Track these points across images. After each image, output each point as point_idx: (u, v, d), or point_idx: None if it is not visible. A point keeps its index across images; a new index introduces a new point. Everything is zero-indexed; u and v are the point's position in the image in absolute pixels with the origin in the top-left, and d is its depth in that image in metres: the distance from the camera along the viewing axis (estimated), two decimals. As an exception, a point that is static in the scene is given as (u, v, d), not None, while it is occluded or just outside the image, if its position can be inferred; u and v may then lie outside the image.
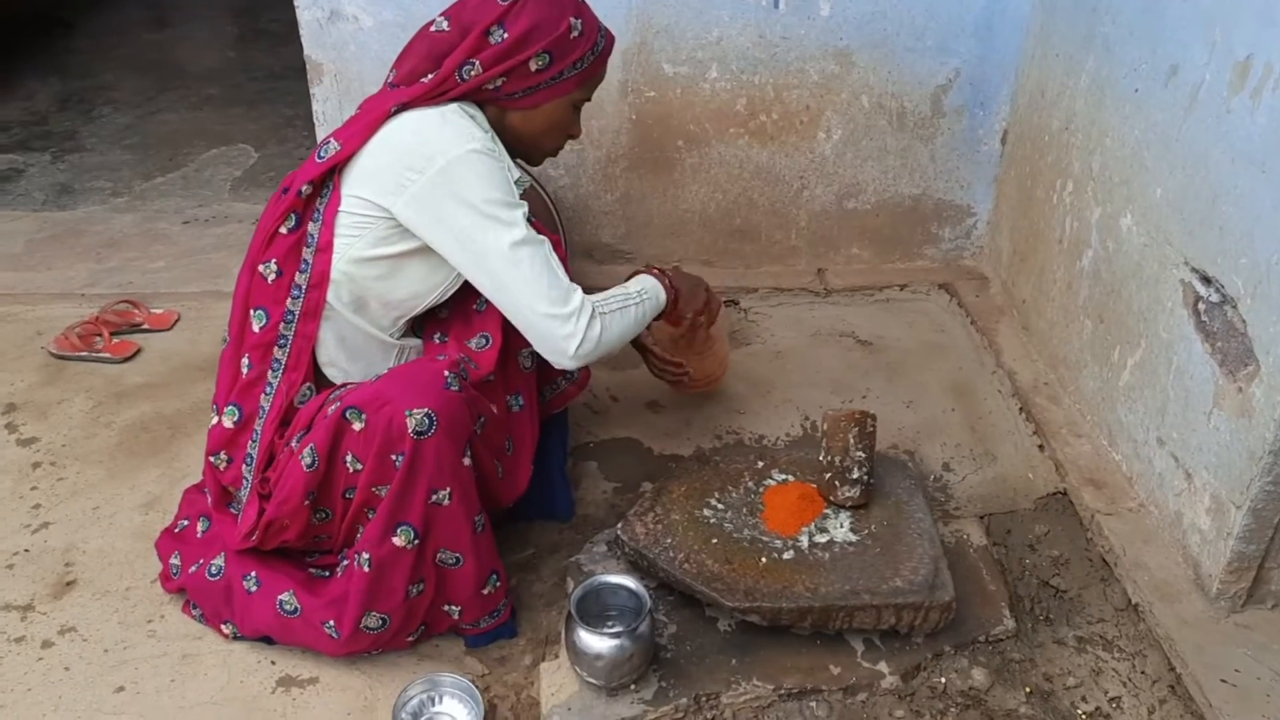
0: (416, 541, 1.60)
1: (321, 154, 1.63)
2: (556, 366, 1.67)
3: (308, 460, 1.59)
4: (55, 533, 1.98)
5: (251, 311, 1.67)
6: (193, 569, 1.78)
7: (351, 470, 1.59)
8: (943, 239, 2.83)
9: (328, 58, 2.50)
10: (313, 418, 1.63)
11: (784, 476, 1.94)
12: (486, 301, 1.70)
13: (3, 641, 1.76)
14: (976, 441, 2.23)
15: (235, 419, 1.70)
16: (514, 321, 1.64)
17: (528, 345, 1.71)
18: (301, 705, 1.66)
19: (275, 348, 1.67)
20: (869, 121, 2.64)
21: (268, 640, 1.75)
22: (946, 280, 2.79)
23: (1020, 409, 2.30)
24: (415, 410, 1.52)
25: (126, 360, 2.48)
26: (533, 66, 1.60)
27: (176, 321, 2.64)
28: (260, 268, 1.65)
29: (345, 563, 1.67)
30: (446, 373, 1.57)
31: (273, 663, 1.73)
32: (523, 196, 1.65)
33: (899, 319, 2.67)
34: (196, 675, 1.71)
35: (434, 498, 1.58)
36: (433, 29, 1.63)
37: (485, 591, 1.71)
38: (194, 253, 2.98)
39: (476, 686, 1.65)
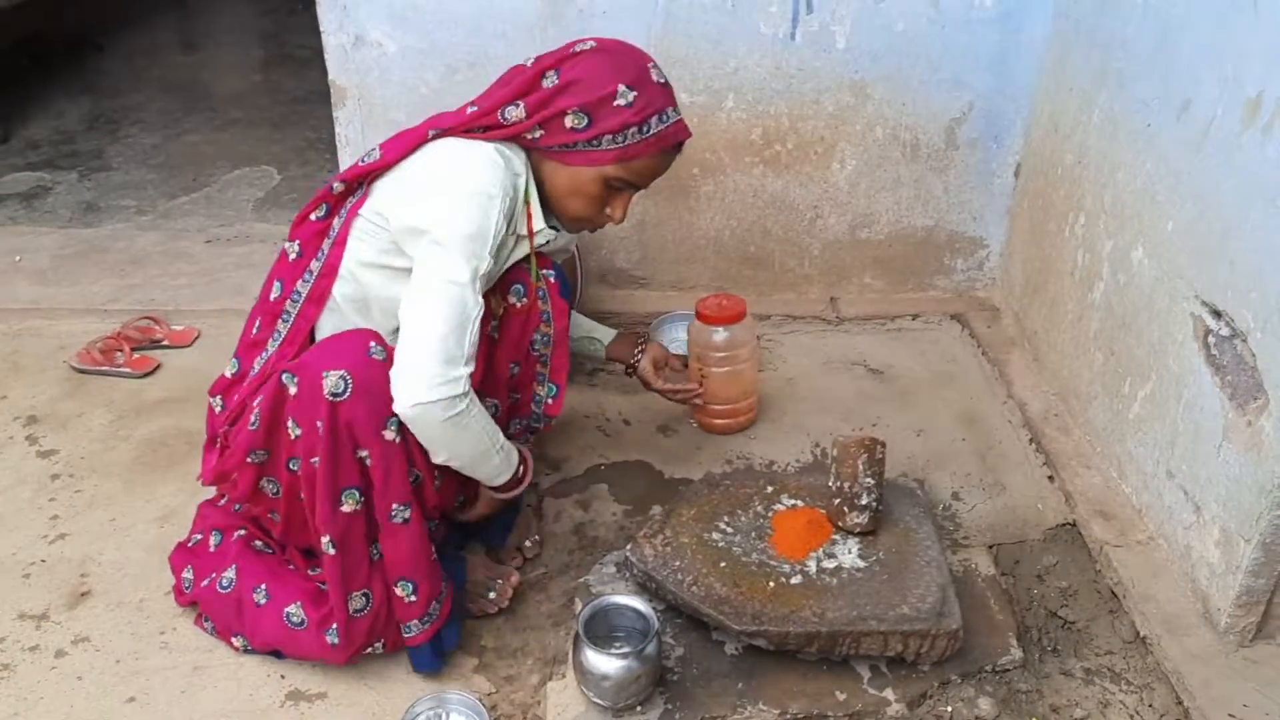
0: (363, 500, 1.60)
1: (364, 158, 1.69)
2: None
3: (253, 420, 1.64)
4: (72, 544, 2.01)
5: (274, 282, 1.76)
6: (204, 583, 1.80)
7: (293, 436, 1.61)
8: (955, 270, 2.85)
9: (351, 82, 2.55)
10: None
11: (793, 502, 1.94)
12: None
13: (17, 650, 1.78)
14: (986, 471, 2.23)
15: (234, 371, 1.78)
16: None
17: (507, 379, 1.79)
18: (310, 719, 1.68)
19: (280, 320, 1.74)
20: (883, 152, 2.67)
21: (277, 654, 1.77)
22: (958, 311, 2.80)
23: (1030, 439, 2.31)
24: (331, 372, 1.53)
25: (146, 375, 2.52)
26: (568, 123, 1.60)
27: (197, 338, 2.68)
28: (286, 245, 1.74)
29: (316, 568, 1.71)
30: (372, 342, 1.58)
31: (282, 676, 1.74)
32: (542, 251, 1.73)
33: (911, 348, 2.68)
34: (207, 687, 1.72)
35: (360, 454, 1.57)
36: (522, 62, 1.68)
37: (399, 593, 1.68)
38: (215, 271, 3.02)
39: (483, 704, 1.65)
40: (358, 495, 1.60)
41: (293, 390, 1.58)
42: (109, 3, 5.53)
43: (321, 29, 2.49)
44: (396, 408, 1.53)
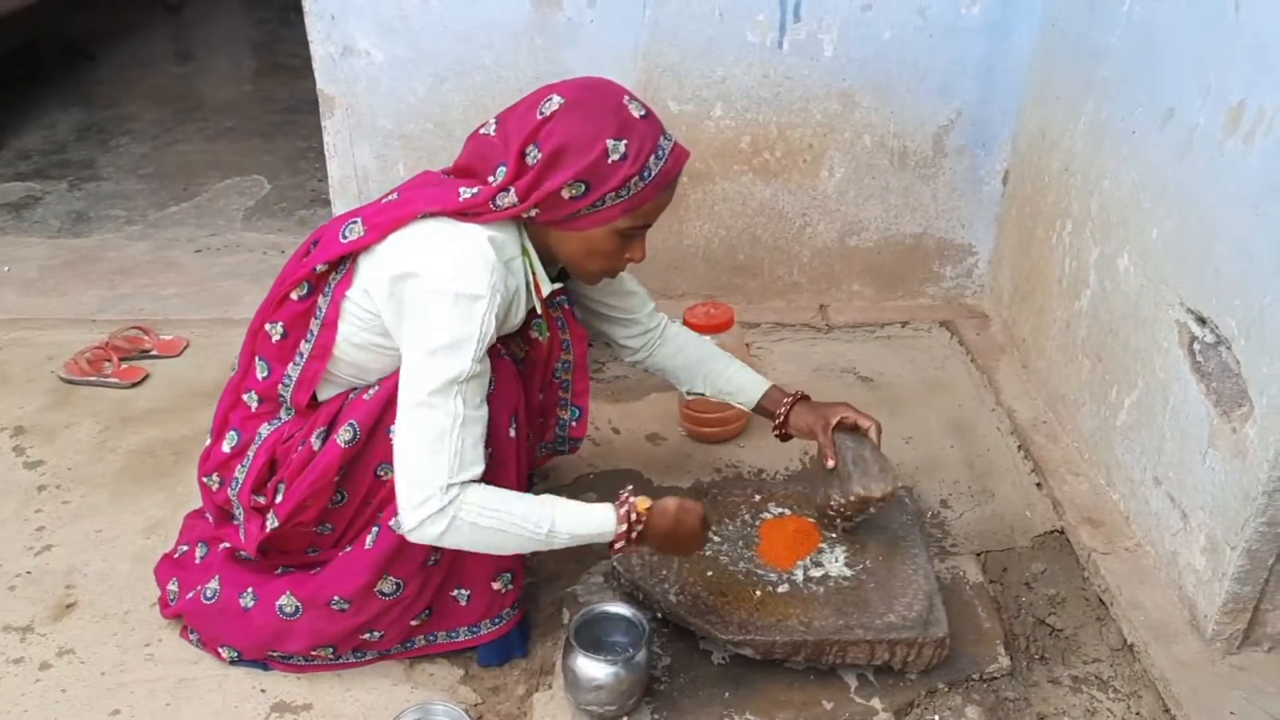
0: None
1: (345, 233, 1.57)
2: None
3: (346, 436, 1.60)
4: (57, 555, 2.00)
5: (256, 360, 1.69)
6: (189, 594, 1.79)
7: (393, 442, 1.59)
8: (944, 277, 2.85)
9: (340, 91, 2.55)
10: (334, 415, 1.64)
11: (780, 510, 1.94)
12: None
13: (1, 662, 1.77)
14: (975, 479, 2.23)
15: (233, 444, 1.72)
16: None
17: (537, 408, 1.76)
18: (295, 731, 1.67)
19: (281, 406, 1.70)
20: (871, 160, 2.67)
21: (264, 666, 1.76)
22: (947, 318, 2.81)
23: (1019, 447, 2.31)
24: None
25: (134, 386, 2.52)
26: (566, 195, 1.50)
27: (185, 348, 2.67)
28: (266, 326, 1.65)
29: (370, 531, 1.66)
30: (503, 349, 1.62)
31: (264, 690, 1.73)
32: (550, 298, 1.64)
33: (900, 356, 2.68)
34: (191, 700, 1.72)
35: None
36: (482, 130, 1.58)
37: (495, 586, 1.71)
38: (205, 280, 3.02)
39: (469, 715, 1.65)
40: None
41: None
42: (102, 13, 5.54)
43: (310, 39, 2.49)
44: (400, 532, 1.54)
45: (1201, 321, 1.76)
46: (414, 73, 2.54)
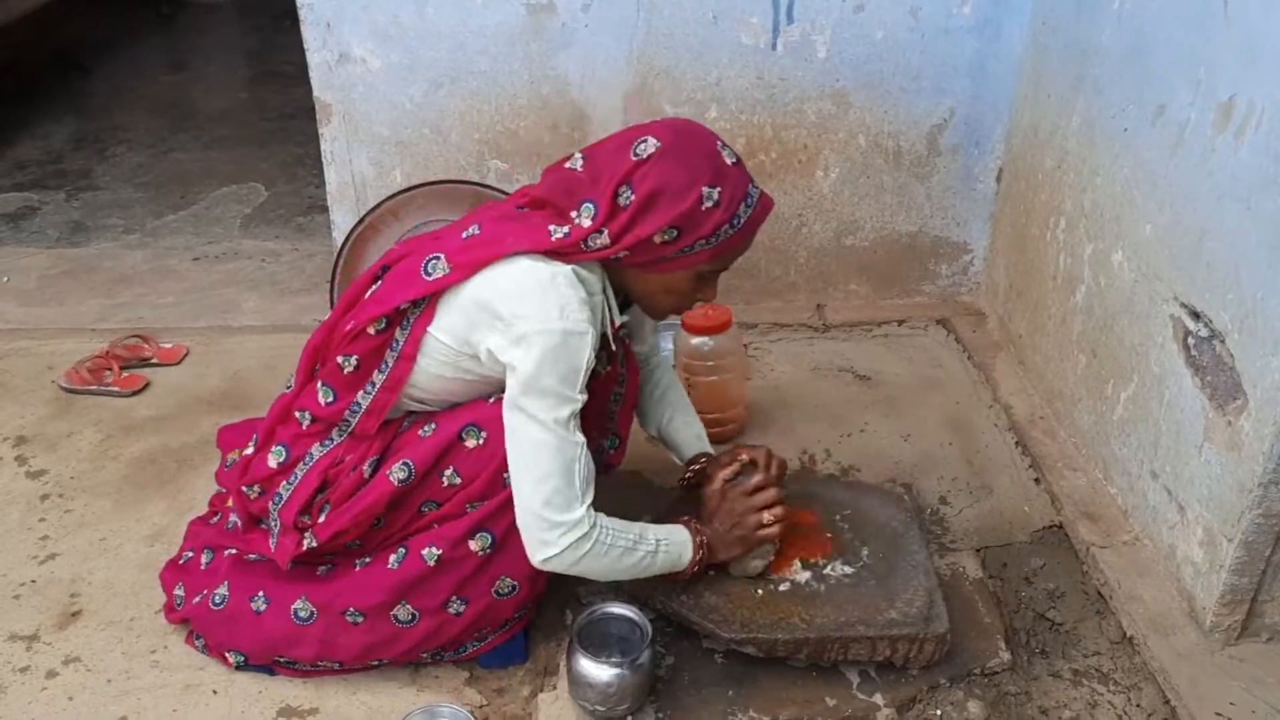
0: (489, 551, 1.63)
1: (429, 270, 1.56)
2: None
3: (401, 475, 1.61)
4: (62, 564, 2.01)
5: (319, 385, 1.69)
6: (196, 599, 1.80)
7: (446, 484, 1.62)
8: (940, 275, 2.87)
9: (336, 98, 2.56)
10: (388, 444, 1.66)
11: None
12: None
13: (8, 671, 1.78)
14: (973, 475, 2.25)
15: (281, 459, 1.72)
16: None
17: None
18: (301, 735, 1.68)
19: (336, 428, 1.70)
20: (866, 160, 2.69)
21: (269, 671, 1.77)
22: (944, 316, 2.82)
23: (1016, 443, 2.32)
24: None
25: (135, 394, 2.52)
26: (657, 240, 1.49)
27: (185, 356, 2.68)
28: (339, 358, 1.64)
29: (396, 551, 1.68)
30: None
31: (270, 695, 1.74)
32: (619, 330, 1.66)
33: (897, 354, 2.70)
34: (198, 705, 1.72)
35: None
36: (567, 165, 1.56)
37: (514, 615, 1.75)
38: (203, 288, 3.03)
39: (475, 717, 1.66)
40: (488, 543, 1.63)
41: (472, 444, 1.60)
42: (94, 22, 5.54)
43: (306, 46, 2.50)
44: (531, 562, 1.57)
45: (1195, 316, 1.77)
46: (410, 79, 2.55)
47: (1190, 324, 1.79)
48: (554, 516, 1.53)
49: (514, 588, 1.68)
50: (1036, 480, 2.21)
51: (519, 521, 1.57)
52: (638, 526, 1.64)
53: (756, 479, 1.77)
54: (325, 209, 2.77)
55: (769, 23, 2.51)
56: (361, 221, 2.53)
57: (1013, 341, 2.61)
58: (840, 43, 2.54)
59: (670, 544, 1.66)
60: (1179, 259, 1.82)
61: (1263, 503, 1.63)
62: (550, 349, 1.48)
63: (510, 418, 1.53)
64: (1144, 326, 1.94)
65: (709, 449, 1.92)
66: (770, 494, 1.75)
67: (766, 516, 1.73)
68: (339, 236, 2.67)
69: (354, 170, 2.65)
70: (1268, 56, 1.58)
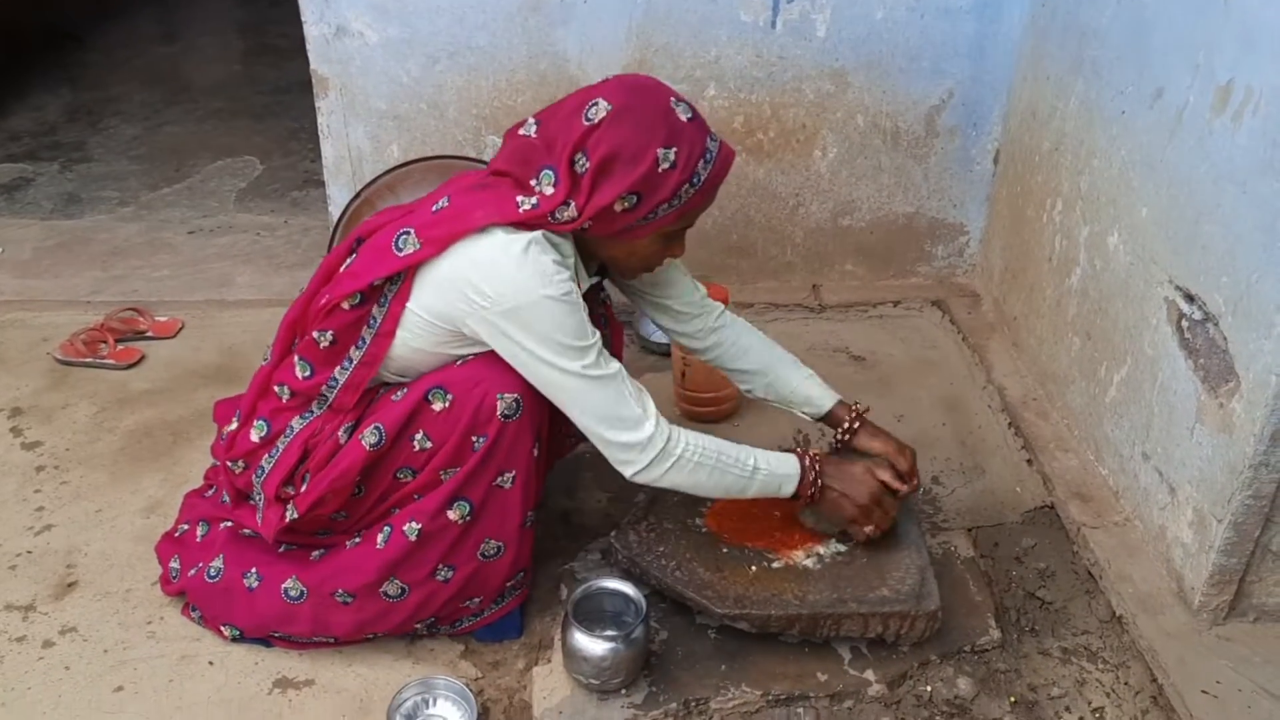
0: (468, 519, 1.64)
1: (400, 245, 1.55)
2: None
3: (372, 439, 1.62)
4: (57, 535, 2.02)
5: (296, 359, 1.68)
6: (192, 572, 1.81)
7: (417, 449, 1.62)
8: (936, 256, 2.87)
9: (333, 72, 2.55)
10: (364, 410, 1.66)
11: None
12: None
13: (4, 641, 1.79)
14: (966, 455, 2.26)
15: (263, 434, 1.72)
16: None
17: None
18: (297, 706, 1.69)
19: (314, 401, 1.70)
20: (864, 140, 2.68)
21: (265, 643, 1.78)
22: (939, 297, 2.83)
23: (1009, 424, 2.34)
24: (506, 394, 1.56)
25: (130, 367, 2.52)
26: (618, 208, 1.48)
27: (180, 329, 2.68)
28: (315, 333, 1.64)
29: (382, 530, 1.68)
30: None
31: (269, 664, 1.76)
32: (594, 293, 1.67)
33: (892, 335, 2.71)
34: (194, 676, 1.74)
35: (499, 479, 1.62)
36: (521, 131, 1.55)
37: (509, 584, 1.76)
38: (198, 262, 3.02)
39: (470, 689, 1.67)
40: (467, 510, 1.64)
41: (439, 406, 1.59)
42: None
43: (303, 19, 2.49)
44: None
45: (1189, 299, 1.78)
46: (407, 53, 2.54)
47: (1185, 307, 1.80)
48: (623, 438, 1.56)
49: (499, 549, 1.69)
50: (1029, 461, 2.23)
51: (606, 454, 1.60)
52: (736, 449, 1.65)
53: (903, 491, 1.78)
54: (321, 183, 2.77)
55: (769, 0, 2.50)
56: (357, 196, 2.52)
57: (1007, 323, 2.62)
58: (840, 22, 2.53)
59: (772, 473, 1.67)
60: (1175, 242, 1.83)
61: (1253, 484, 1.64)
62: (543, 315, 1.49)
63: (540, 376, 1.54)
64: (1138, 309, 1.95)
65: (836, 394, 1.88)
66: (892, 511, 1.77)
67: (869, 529, 1.75)
68: (335, 211, 2.66)
69: (350, 145, 2.64)
70: (1266, 40, 1.59)
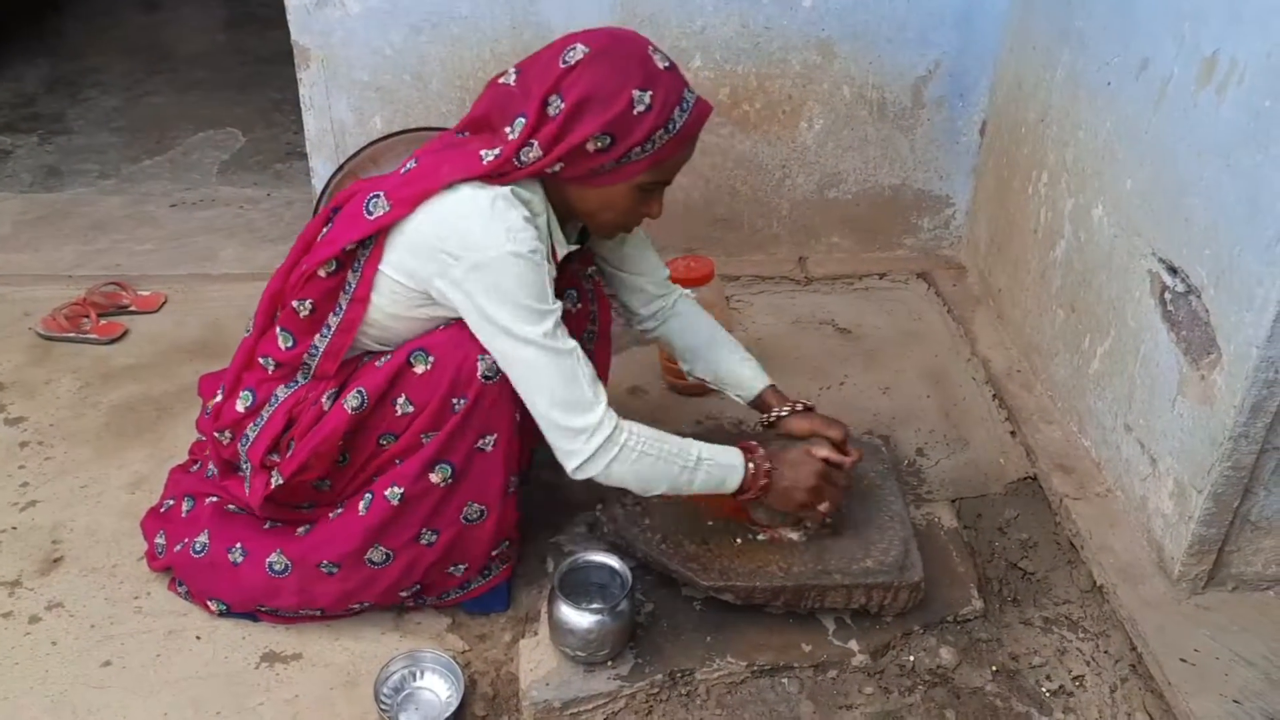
0: (450, 481, 1.64)
1: (370, 209, 1.55)
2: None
3: (354, 403, 1.61)
4: (43, 510, 2.01)
5: (279, 329, 1.68)
6: (177, 548, 1.81)
7: (400, 413, 1.62)
8: (922, 229, 2.87)
9: (315, 43, 2.52)
10: (347, 376, 1.66)
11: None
12: None
13: (-9, 616, 1.79)
14: (950, 427, 2.27)
15: (248, 404, 1.72)
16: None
17: None
18: (285, 680, 1.70)
19: (299, 370, 1.69)
20: (850, 112, 2.67)
21: (252, 618, 1.79)
22: (925, 269, 2.83)
23: (993, 396, 2.35)
24: (488, 355, 1.55)
25: (114, 341, 2.51)
26: (590, 148, 1.47)
27: (164, 304, 2.66)
28: (295, 303, 1.63)
29: (364, 498, 1.68)
30: None
31: (256, 639, 1.76)
32: (582, 269, 1.66)
33: (878, 307, 2.71)
34: (181, 650, 1.74)
35: (480, 442, 1.62)
36: (501, 80, 1.54)
37: (494, 553, 1.76)
38: (181, 235, 3.00)
39: (457, 662, 1.68)
40: (449, 473, 1.63)
41: (421, 369, 1.59)
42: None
43: (283, -11, 2.46)
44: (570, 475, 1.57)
45: (1173, 271, 1.79)
46: (390, 24, 2.51)
47: (1168, 279, 1.80)
48: (571, 423, 1.53)
49: (482, 512, 1.69)
50: (1012, 433, 2.24)
51: (550, 443, 1.57)
52: (679, 440, 1.61)
53: (847, 464, 1.73)
54: (304, 155, 2.74)
55: (755, -30, 2.48)
56: (341, 169, 2.50)
57: (992, 295, 2.63)
58: (826, -9, 2.51)
59: (715, 465, 1.62)
60: (1158, 214, 1.83)
61: (1232, 455, 1.65)
62: (506, 272, 1.47)
63: (496, 345, 1.53)
64: (1122, 281, 1.95)
65: (768, 379, 1.88)
66: (842, 486, 1.73)
67: (824, 506, 1.71)
68: (318, 184, 2.64)
69: (333, 117, 2.61)
70: (1250, 12, 1.58)
